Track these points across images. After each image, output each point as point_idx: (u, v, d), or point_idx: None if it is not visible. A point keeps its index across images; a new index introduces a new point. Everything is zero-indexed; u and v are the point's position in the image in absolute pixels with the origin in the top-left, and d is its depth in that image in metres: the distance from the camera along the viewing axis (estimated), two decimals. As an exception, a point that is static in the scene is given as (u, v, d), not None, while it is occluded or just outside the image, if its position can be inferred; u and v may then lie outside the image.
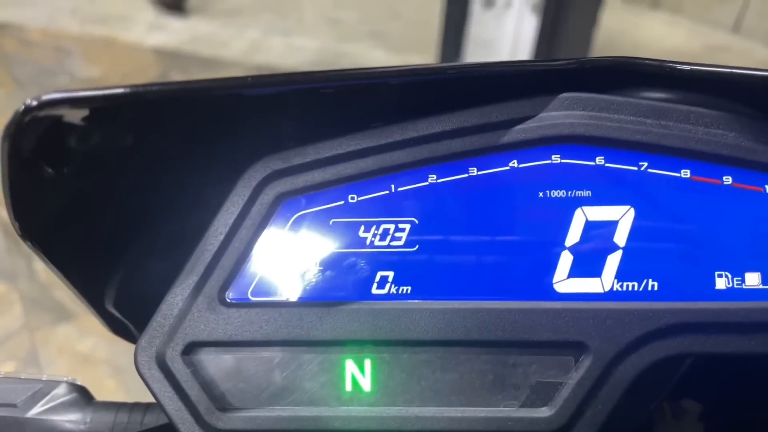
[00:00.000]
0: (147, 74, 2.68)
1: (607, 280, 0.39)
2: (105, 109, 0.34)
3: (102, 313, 0.51)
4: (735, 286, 0.38)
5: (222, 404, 0.39)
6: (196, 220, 0.43)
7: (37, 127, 0.32)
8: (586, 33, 2.07)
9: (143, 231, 0.44)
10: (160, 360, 0.39)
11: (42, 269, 2.05)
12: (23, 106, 0.31)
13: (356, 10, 3.06)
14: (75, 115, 0.33)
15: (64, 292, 2.11)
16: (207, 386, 0.39)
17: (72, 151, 0.37)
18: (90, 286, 0.47)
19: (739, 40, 2.90)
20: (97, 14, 3.03)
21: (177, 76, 2.69)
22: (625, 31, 2.85)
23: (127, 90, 0.32)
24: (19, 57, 2.78)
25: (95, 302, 0.48)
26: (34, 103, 0.31)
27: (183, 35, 2.92)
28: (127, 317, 0.52)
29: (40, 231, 0.38)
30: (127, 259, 0.46)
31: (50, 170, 0.36)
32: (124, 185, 0.42)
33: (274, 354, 0.39)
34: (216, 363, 0.39)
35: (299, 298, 0.40)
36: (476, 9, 2.13)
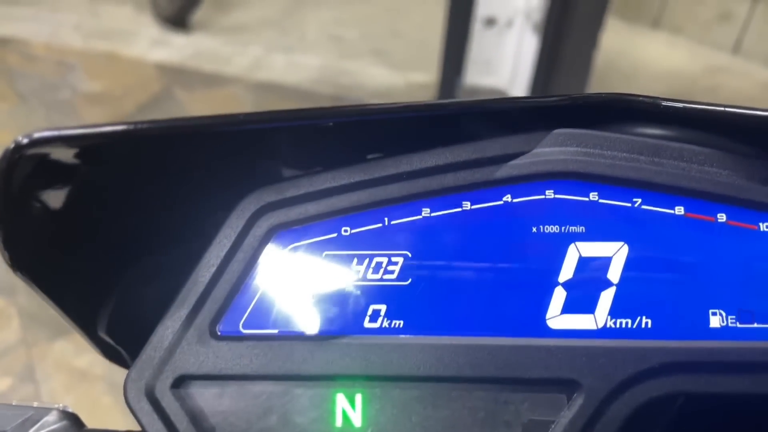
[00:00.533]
0: (149, 89, 2.69)
1: (600, 316, 0.39)
2: (96, 146, 0.34)
3: (95, 340, 0.50)
4: (729, 325, 0.38)
5: None
6: (189, 249, 0.42)
7: (27, 164, 0.32)
8: (586, 53, 2.07)
9: (136, 261, 0.44)
10: (149, 392, 0.39)
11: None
12: (13, 144, 0.31)
13: (358, 28, 3.08)
14: (66, 152, 0.33)
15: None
16: (196, 420, 0.39)
17: (63, 186, 0.37)
18: (82, 314, 0.47)
19: (740, 61, 2.91)
20: (101, 30, 3.05)
21: (179, 91, 2.70)
22: (625, 50, 2.87)
23: (117, 128, 0.32)
24: (22, 71, 2.79)
25: (87, 329, 0.48)
26: (25, 140, 0.31)
27: (186, 51, 2.93)
28: (120, 344, 0.51)
29: (30, 262, 0.38)
30: (119, 288, 0.46)
31: (40, 204, 0.36)
32: (116, 217, 0.42)
33: (265, 388, 0.39)
34: (206, 396, 0.39)
35: (291, 332, 0.40)
36: (477, 28, 2.14)
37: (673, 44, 3.00)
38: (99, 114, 2.60)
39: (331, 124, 0.38)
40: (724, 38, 2.97)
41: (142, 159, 0.39)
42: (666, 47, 2.98)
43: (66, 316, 0.45)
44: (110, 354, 0.53)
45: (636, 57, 2.87)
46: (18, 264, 0.37)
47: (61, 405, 0.52)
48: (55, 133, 0.31)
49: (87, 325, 0.48)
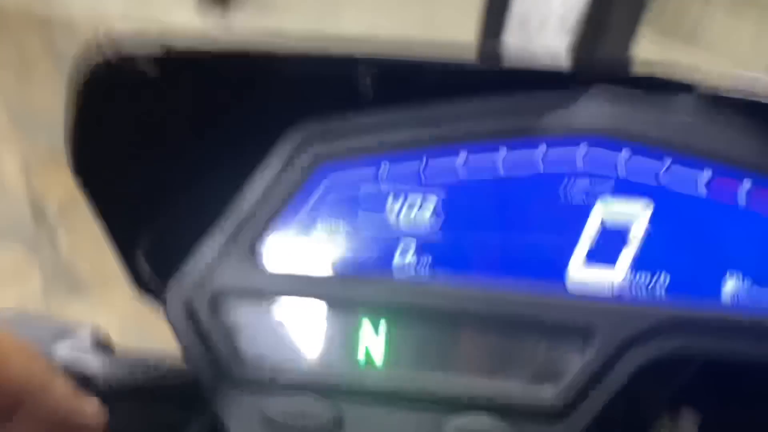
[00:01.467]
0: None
1: (620, 271, 0.40)
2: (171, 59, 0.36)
3: (130, 265, 0.52)
4: (746, 291, 0.39)
5: (243, 355, 0.41)
6: (234, 176, 0.44)
7: (110, 65, 0.34)
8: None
9: (184, 183, 0.46)
10: (187, 307, 0.41)
11: (64, 243, 2.09)
12: (96, 42, 0.33)
13: (392, 20, 3.10)
14: (142, 62, 0.35)
15: (83, 267, 2.14)
16: (230, 335, 0.41)
17: (138, 94, 0.39)
18: (125, 234, 0.49)
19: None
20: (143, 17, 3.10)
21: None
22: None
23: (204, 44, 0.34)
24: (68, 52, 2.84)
25: (126, 251, 0.50)
26: (109, 40, 0.33)
27: (229, 29, 2.97)
28: (156, 271, 0.54)
29: (93, 168, 0.40)
30: (164, 211, 0.48)
31: (116, 111, 0.38)
32: (179, 134, 0.44)
33: (296, 311, 0.41)
34: (240, 314, 0.41)
35: (324, 260, 0.42)
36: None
37: (707, 61, 2.98)
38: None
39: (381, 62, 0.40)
40: (760, 57, 2.94)
41: (206, 78, 0.41)
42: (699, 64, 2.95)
43: (110, 234, 0.47)
44: (141, 283, 0.55)
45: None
46: (80, 168, 0.39)
47: (91, 324, 0.55)
48: (139, 39, 0.33)
49: (127, 247, 0.50)
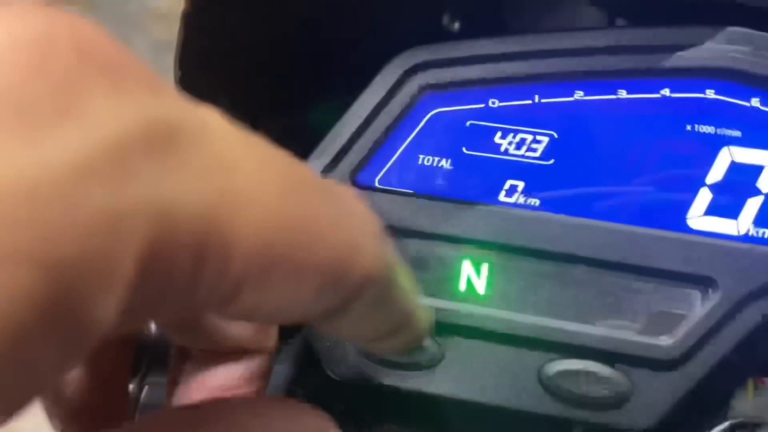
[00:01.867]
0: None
1: (743, 223, 0.38)
2: None
3: None
4: None
5: None
6: (334, 102, 0.42)
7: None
8: None
9: (286, 107, 0.44)
10: None
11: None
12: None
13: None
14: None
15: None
16: None
17: (241, 18, 0.37)
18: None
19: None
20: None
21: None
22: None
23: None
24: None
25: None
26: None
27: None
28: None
29: (191, 85, 0.38)
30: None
31: (225, 28, 0.36)
32: (284, 55, 0.42)
33: (397, 241, 0.39)
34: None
35: (425, 192, 0.40)
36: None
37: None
38: (163, 29, 2.61)
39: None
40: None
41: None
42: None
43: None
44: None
45: None
46: (185, 83, 0.37)
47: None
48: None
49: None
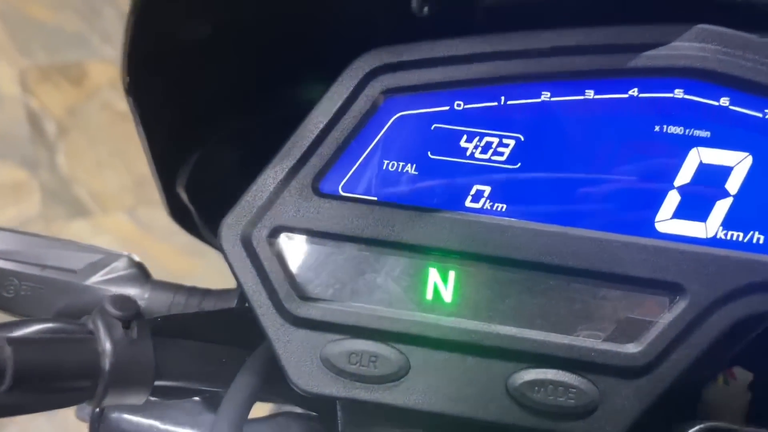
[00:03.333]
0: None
1: (712, 226, 0.38)
2: None
3: (168, 193, 0.50)
4: None
5: (302, 292, 0.38)
6: (289, 111, 0.41)
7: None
8: None
9: (237, 114, 0.43)
10: (245, 239, 0.38)
11: (64, 163, 2.05)
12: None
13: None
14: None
15: (83, 188, 2.10)
16: (289, 272, 0.38)
17: (195, 16, 0.35)
18: (168, 160, 0.46)
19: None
20: None
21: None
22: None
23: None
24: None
25: (167, 179, 0.47)
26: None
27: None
28: (194, 202, 0.51)
29: (143, 88, 0.36)
30: (213, 141, 0.45)
31: (172, 32, 0.35)
32: (235, 58, 0.40)
33: (359, 250, 0.38)
34: (300, 251, 0.38)
35: (390, 199, 0.39)
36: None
37: None
38: None
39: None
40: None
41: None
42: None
43: (152, 159, 0.44)
44: (177, 212, 0.53)
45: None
46: (132, 89, 0.36)
47: (129, 253, 0.52)
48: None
49: (168, 175, 0.47)
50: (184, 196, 0.50)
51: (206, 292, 0.50)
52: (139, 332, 0.37)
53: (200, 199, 0.51)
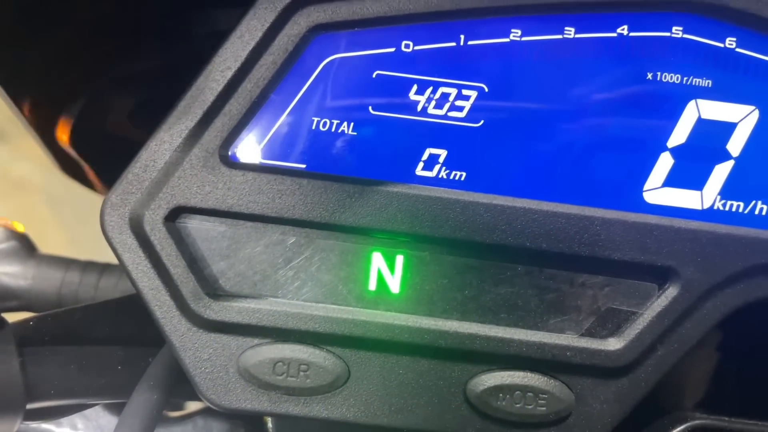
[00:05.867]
0: None
1: (709, 194, 0.31)
2: None
3: (52, 149, 0.40)
4: None
5: (212, 289, 0.31)
6: (188, 47, 0.32)
7: None
8: None
9: (124, 54, 0.33)
10: (135, 223, 0.30)
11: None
12: None
13: None
14: None
15: (1, 113, 1.93)
16: (195, 264, 0.30)
17: None
18: (42, 109, 0.36)
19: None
20: None
21: None
22: None
23: None
24: None
25: (44, 130, 0.38)
26: None
27: None
28: (86, 158, 0.42)
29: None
30: (96, 86, 0.35)
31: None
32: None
33: (285, 235, 0.31)
34: (209, 237, 0.31)
35: (323, 170, 0.31)
36: None
37: None
38: None
39: None
40: None
41: None
42: None
43: (18, 109, 0.35)
44: (70, 167, 0.44)
45: None
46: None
47: (5, 221, 0.43)
48: None
49: (44, 124, 0.38)
50: (70, 150, 0.40)
51: (105, 267, 0.42)
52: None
53: (94, 151, 0.42)
